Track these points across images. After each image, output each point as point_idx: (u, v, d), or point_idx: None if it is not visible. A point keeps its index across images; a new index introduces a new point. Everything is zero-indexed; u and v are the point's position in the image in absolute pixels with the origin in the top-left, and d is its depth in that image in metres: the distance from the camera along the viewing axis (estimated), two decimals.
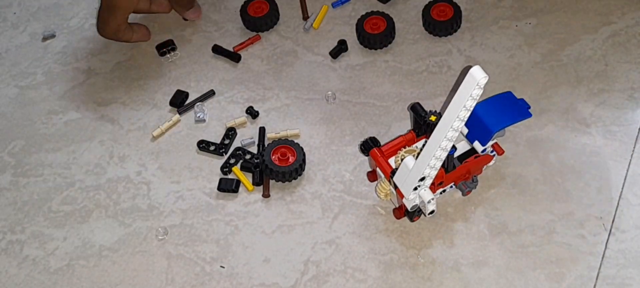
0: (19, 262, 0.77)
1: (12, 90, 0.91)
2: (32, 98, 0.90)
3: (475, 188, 0.76)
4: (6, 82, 0.92)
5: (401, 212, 0.75)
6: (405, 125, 0.84)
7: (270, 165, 0.78)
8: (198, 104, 0.87)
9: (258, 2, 0.93)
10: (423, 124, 0.75)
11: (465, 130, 0.74)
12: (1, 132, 0.88)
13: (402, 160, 0.70)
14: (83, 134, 0.86)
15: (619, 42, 0.88)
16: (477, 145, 0.73)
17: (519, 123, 0.76)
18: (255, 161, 0.81)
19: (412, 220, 0.75)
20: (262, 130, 0.84)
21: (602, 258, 0.72)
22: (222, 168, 0.81)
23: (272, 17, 0.93)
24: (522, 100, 0.74)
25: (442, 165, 0.71)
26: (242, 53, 0.92)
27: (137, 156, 0.84)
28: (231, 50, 0.92)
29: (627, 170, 0.77)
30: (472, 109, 0.59)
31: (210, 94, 0.88)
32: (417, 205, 0.73)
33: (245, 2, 0.93)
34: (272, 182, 0.80)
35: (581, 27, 0.90)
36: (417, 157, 0.68)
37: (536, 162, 0.79)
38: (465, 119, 0.61)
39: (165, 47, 0.92)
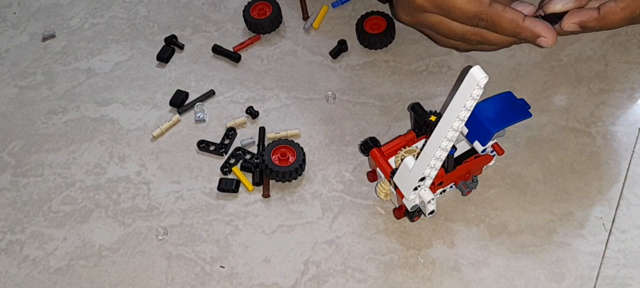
0: (19, 262, 0.77)
1: (12, 90, 0.91)
2: (32, 98, 0.90)
3: (475, 188, 0.76)
4: (6, 82, 0.92)
5: (401, 212, 0.75)
6: (405, 125, 0.84)
7: (270, 165, 0.78)
8: (198, 104, 0.87)
9: (261, 4, 0.93)
10: (423, 124, 0.75)
11: (465, 130, 0.74)
12: (1, 132, 0.88)
13: (402, 160, 0.70)
14: (83, 134, 0.86)
15: (619, 42, 0.88)
16: (477, 145, 0.73)
17: (519, 123, 0.76)
18: (255, 161, 0.81)
19: (412, 220, 0.75)
20: (262, 130, 0.84)
21: (602, 258, 0.72)
22: (222, 168, 0.81)
23: (276, 19, 0.92)
24: (522, 100, 0.74)
25: (442, 165, 0.71)
26: (242, 53, 0.92)
27: (137, 156, 0.84)
28: (231, 50, 0.92)
29: (627, 170, 0.77)
30: (472, 109, 0.59)
31: (210, 94, 0.88)
32: (417, 205, 0.73)
33: (247, 4, 0.93)
34: (272, 182, 0.80)
35: None
36: (417, 157, 0.68)
37: (536, 162, 0.79)
38: (465, 119, 0.61)
39: (172, 41, 0.93)
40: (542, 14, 0.75)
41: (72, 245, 0.78)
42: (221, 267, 0.75)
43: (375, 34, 0.89)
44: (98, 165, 0.84)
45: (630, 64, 0.86)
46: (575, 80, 0.85)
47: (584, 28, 0.74)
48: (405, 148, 0.74)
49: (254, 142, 0.84)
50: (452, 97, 0.61)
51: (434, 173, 0.68)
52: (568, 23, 0.74)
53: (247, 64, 0.91)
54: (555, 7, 0.74)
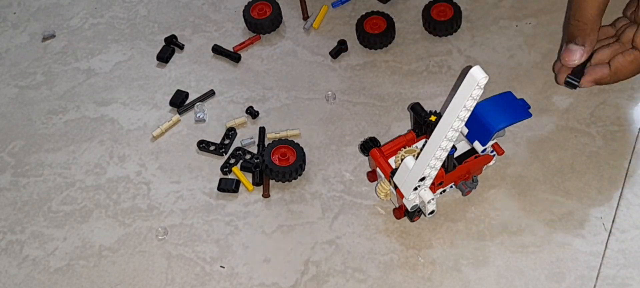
0: (19, 262, 0.77)
1: (12, 90, 0.91)
2: (32, 98, 0.90)
3: (475, 188, 0.76)
4: (6, 82, 0.92)
5: (401, 212, 0.75)
6: (405, 125, 0.84)
7: (270, 165, 0.78)
8: (198, 104, 0.87)
9: (261, 4, 0.93)
10: (423, 124, 0.75)
11: (465, 130, 0.74)
12: (1, 132, 0.88)
13: (402, 160, 0.70)
14: (83, 134, 0.86)
15: None
16: (477, 145, 0.73)
17: (519, 123, 0.76)
18: (255, 161, 0.81)
19: (412, 220, 0.75)
20: (262, 130, 0.84)
21: (602, 258, 0.72)
22: (222, 168, 0.81)
23: (276, 19, 0.92)
24: (522, 100, 0.74)
25: (442, 165, 0.71)
26: (242, 53, 0.92)
27: (137, 156, 0.84)
28: (231, 50, 0.92)
29: (627, 171, 0.77)
30: (472, 109, 0.59)
31: (210, 94, 0.88)
32: (417, 205, 0.73)
33: (247, 4, 0.93)
34: (272, 182, 0.80)
35: None
36: (417, 157, 0.68)
37: (536, 162, 0.79)
38: (466, 119, 0.61)
39: (172, 41, 0.93)
40: (570, 68, 0.79)
41: (72, 245, 0.78)
42: (221, 267, 0.75)
43: (375, 34, 0.89)
44: (98, 165, 0.84)
45: None
46: None
47: (599, 83, 0.79)
48: (405, 148, 0.74)
49: (254, 142, 0.84)
50: (452, 97, 0.61)
51: (434, 173, 0.68)
52: (584, 82, 0.79)
53: (247, 64, 0.91)
54: (574, 62, 0.78)
